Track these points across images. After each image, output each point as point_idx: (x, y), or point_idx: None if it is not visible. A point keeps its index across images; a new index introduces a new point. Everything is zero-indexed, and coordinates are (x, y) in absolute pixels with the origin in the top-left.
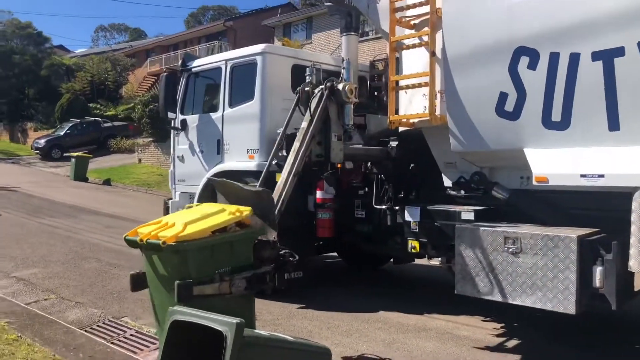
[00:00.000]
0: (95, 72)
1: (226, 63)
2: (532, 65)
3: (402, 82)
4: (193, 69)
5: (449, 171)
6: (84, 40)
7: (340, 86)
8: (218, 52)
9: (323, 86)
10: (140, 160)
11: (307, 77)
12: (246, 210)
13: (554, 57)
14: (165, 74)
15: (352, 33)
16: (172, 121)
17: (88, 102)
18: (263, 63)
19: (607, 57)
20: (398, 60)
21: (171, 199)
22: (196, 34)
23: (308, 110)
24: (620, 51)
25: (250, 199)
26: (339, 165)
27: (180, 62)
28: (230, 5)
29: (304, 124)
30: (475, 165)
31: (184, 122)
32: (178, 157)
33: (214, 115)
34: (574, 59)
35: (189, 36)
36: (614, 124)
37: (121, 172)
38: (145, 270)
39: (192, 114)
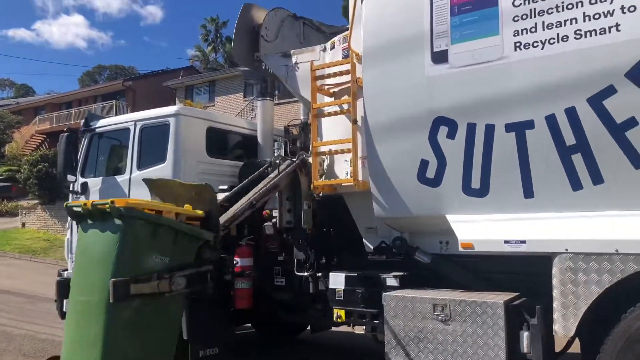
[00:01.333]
0: None
1: (135, 124)
2: (451, 135)
3: (323, 148)
4: (97, 130)
5: (370, 236)
6: None
7: (310, 159)
8: (115, 112)
9: (295, 158)
10: (24, 224)
11: (275, 151)
12: (200, 212)
13: (471, 128)
14: (65, 133)
15: (268, 98)
16: (71, 184)
17: None
18: (176, 125)
19: (519, 129)
20: (319, 127)
21: (67, 269)
22: (92, 92)
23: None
24: (530, 124)
25: (190, 194)
26: (309, 230)
27: (82, 121)
28: (129, 65)
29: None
30: (396, 230)
31: (84, 185)
32: None
33: (119, 178)
34: (490, 129)
35: (84, 94)
36: (528, 192)
37: (0, 237)
38: (77, 248)
39: (95, 177)
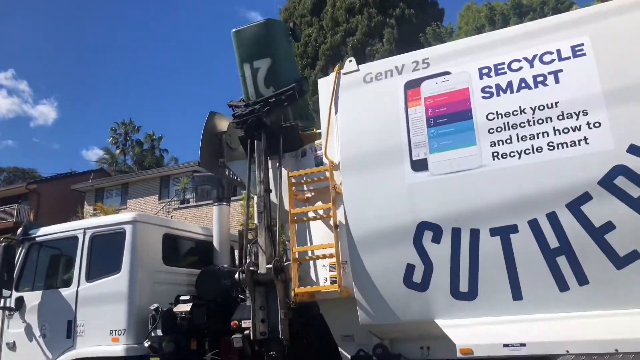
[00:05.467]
0: None
1: (85, 232)
2: (436, 239)
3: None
4: (37, 239)
5: (346, 344)
6: None
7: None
8: (16, 216)
9: (271, 266)
10: None
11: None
12: None
13: (456, 232)
14: (3, 244)
15: (224, 203)
16: (2, 300)
17: None
18: (133, 232)
19: (504, 233)
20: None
21: None
22: None
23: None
24: (514, 228)
25: None
26: (286, 341)
27: (20, 230)
28: (29, 167)
29: None
30: (377, 337)
31: (19, 300)
32: (7, 344)
33: (64, 292)
34: (475, 234)
35: None
36: (517, 293)
37: None
38: None
39: (32, 290)
